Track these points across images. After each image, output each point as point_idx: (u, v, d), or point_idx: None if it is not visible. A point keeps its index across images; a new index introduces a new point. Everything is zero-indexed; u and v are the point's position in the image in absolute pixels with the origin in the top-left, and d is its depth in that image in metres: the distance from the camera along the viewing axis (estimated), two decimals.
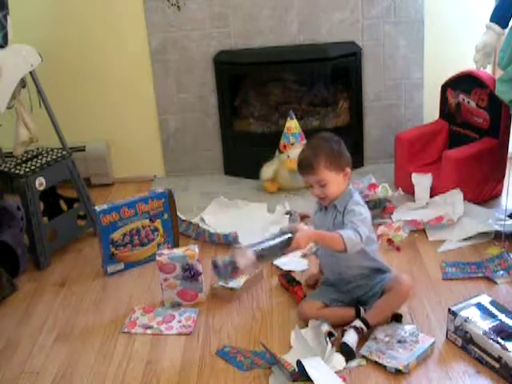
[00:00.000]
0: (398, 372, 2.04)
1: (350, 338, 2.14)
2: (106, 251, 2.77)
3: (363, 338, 2.18)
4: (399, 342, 2.14)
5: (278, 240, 2.08)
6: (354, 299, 2.32)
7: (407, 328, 2.21)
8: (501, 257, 2.61)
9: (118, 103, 3.67)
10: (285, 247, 2.08)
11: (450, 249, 2.78)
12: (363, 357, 2.12)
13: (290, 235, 2.07)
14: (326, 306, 2.31)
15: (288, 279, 2.57)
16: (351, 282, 2.33)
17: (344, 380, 2.02)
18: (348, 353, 2.12)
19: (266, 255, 2.08)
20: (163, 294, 2.54)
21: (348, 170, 2.23)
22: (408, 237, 2.84)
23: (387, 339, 2.15)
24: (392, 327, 2.21)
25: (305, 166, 2.21)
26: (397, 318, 2.27)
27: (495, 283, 2.51)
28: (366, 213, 2.22)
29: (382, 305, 2.23)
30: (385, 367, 2.07)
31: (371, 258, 2.30)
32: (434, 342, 2.16)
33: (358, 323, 2.18)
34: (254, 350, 2.24)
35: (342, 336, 2.16)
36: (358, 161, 3.68)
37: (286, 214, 3.15)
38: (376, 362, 2.09)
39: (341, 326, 2.22)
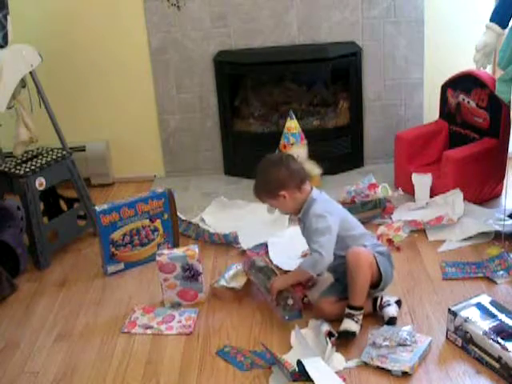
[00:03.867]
0: (404, 374, 2.04)
1: (344, 324, 2.20)
2: (106, 251, 2.77)
3: (361, 327, 2.22)
4: (400, 344, 2.13)
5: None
6: None
7: (404, 329, 2.20)
8: (501, 257, 2.61)
9: (118, 103, 3.67)
10: None
11: (450, 249, 2.78)
12: (365, 363, 2.11)
13: None
14: (340, 299, 2.34)
15: None
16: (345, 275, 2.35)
17: (344, 380, 2.02)
18: (345, 335, 2.17)
19: None
20: (163, 294, 2.54)
21: (282, 193, 2.32)
22: (408, 237, 2.84)
23: (386, 343, 2.14)
24: (388, 330, 2.20)
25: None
26: (390, 322, 2.27)
27: (495, 283, 2.51)
28: (324, 222, 2.27)
29: (350, 283, 2.25)
30: (389, 371, 2.06)
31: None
32: (431, 341, 2.16)
33: (345, 310, 2.23)
34: (254, 349, 2.24)
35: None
36: (358, 161, 3.69)
37: (286, 213, 3.15)
38: (378, 367, 2.08)
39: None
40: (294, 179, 2.33)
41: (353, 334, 2.18)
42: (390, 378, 2.05)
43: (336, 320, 2.26)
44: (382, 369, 2.07)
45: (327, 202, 2.39)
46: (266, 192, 2.37)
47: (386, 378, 2.05)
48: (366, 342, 2.17)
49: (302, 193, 2.34)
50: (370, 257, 2.27)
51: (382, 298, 2.32)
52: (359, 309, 2.23)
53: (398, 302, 2.35)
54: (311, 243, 2.30)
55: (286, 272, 2.63)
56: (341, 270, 2.32)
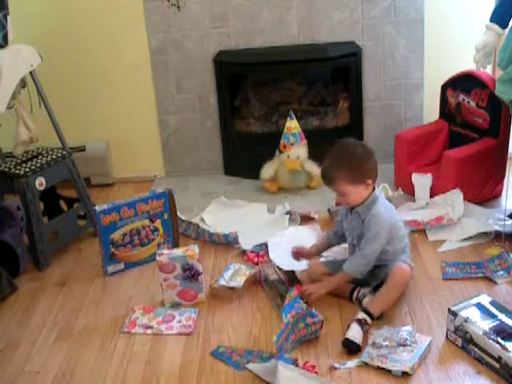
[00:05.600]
0: (404, 374, 2.04)
1: (353, 332, 2.19)
2: (106, 251, 2.77)
3: (369, 328, 2.22)
4: (400, 344, 2.13)
5: None
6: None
7: (404, 329, 2.20)
8: (501, 257, 2.60)
9: (118, 103, 3.67)
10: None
11: (450, 249, 2.78)
12: (365, 363, 2.11)
13: None
14: (330, 274, 2.44)
15: (289, 278, 2.57)
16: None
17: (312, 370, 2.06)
18: (350, 347, 2.16)
19: None
20: (163, 294, 2.54)
21: (369, 181, 2.33)
22: (408, 237, 2.83)
23: (387, 343, 2.13)
24: (388, 331, 2.20)
25: (324, 177, 2.39)
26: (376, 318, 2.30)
27: (495, 283, 2.51)
28: (378, 226, 2.32)
29: (383, 293, 2.30)
30: (389, 371, 2.06)
31: (391, 254, 2.40)
32: (431, 341, 2.16)
33: (360, 315, 2.24)
34: (249, 349, 2.23)
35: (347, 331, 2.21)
36: None
37: (286, 213, 3.15)
38: (379, 367, 2.08)
39: (333, 295, 2.43)
40: (376, 172, 2.38)
41: (358, 348, 2.17)
42: (390, 378, 2.05)
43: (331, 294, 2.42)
44: (382, 369, 2.07)
45: (386, 203, 2.44)
46: (353, 175, 2.31)
47: (386, 378, 2.05)
48: (367, 342, 2.17)
49: (373, 187, 2.38)
50: (409, 276, 2.38)
51: (358, 291, 2.39)
52: (373, 318, 2.24)
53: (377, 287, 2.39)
54: (362, 244, 2.34)
55: (288, 273, 2.62)
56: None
